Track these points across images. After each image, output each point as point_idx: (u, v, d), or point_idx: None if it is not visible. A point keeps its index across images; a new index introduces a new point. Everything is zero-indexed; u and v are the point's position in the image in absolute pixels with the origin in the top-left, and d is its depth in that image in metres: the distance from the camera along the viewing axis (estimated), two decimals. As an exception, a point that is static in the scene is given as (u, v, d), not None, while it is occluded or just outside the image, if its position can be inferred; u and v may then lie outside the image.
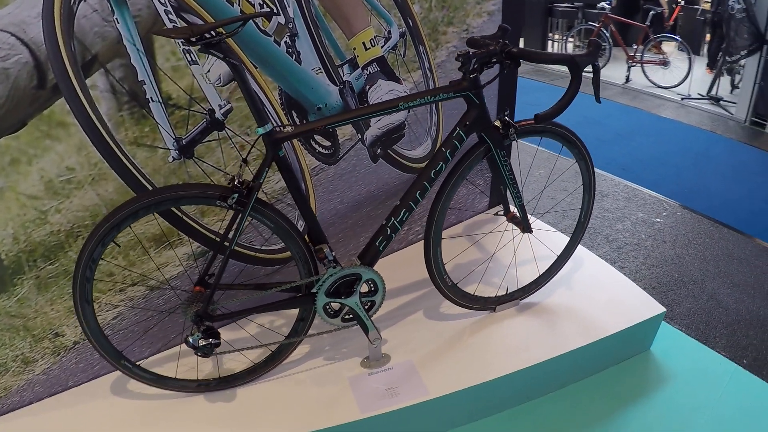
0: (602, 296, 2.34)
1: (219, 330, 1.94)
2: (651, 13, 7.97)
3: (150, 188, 2.03)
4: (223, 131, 2.09)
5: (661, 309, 2.24)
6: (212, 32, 1.61)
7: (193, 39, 1.59)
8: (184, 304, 1.90)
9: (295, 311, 2.07)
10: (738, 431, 2.01)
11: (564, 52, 8.90)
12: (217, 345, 1.90)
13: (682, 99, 7.11)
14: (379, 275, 2.01)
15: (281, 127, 1.78)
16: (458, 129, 1.94)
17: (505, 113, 1.98)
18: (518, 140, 2.00)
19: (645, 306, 2.27)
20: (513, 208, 2.21)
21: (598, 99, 1.87)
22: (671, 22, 8.74)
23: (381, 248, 2.00)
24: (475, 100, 1.92)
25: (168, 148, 2.03)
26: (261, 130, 1.74)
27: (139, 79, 1.92)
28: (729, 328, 2.82)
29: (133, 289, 2.16)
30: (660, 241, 3.69)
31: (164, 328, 2.25)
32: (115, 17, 1.83)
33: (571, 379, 2.20)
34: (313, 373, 2.11)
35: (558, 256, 2.33)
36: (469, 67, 1.86)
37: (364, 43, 2.24)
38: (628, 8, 9.08)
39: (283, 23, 2.11)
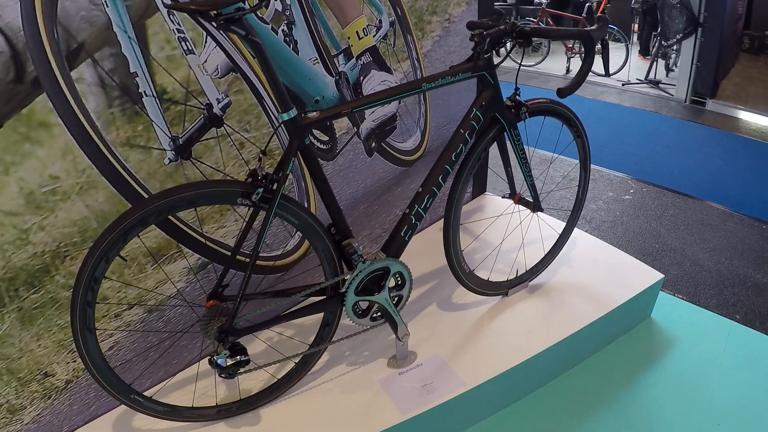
0: (603, 270, 2.33)
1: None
2: (587, 5, 8.16)
3: (145, 195, 1.73)
4: (222, 128, 1.84)
5: (660, 276, 2.27)
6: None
7: (214, 13, 1.37)
8: (203, 321, 1.64)
9: (312, 320, 1.87)
10: (747, 379, 2.07)
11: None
12: (247, 362, 1.64)
13: (623, 85, 7.27)
14: (406, 267, 1.84)
15: (305, 113, 1.59)
16: (475, 110, 1.84)
17: (516, 93, 1.93)
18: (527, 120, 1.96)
19: (644, 274, 2.29)
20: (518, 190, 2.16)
21: (607, 72, 1.87)
22: (599, 14, 8.84)
23: (406, 238, 1.84)
24: (490, 79, 1.83)
25: (164, 149, 1.74)
26: (286, 116, 1.53)
27: (131, 71, 1.64)
28: (716, 288, 2.94)
29: (130, 313, 1.83)
30: (634, 216, 3.81)
31: (164, 355, 1.92)
32: (103, 0, 1.56)
33: (588, 353, 2.16)
34: (340, 381, 1.90)
35: (560, 234, 2.30)
36: (483, 46, 1.79)
37: (357, 32, 2.08)
38: (560, 2, 9.23)
39: (280, 10, 1.91)
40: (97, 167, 1.64)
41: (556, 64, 8.28)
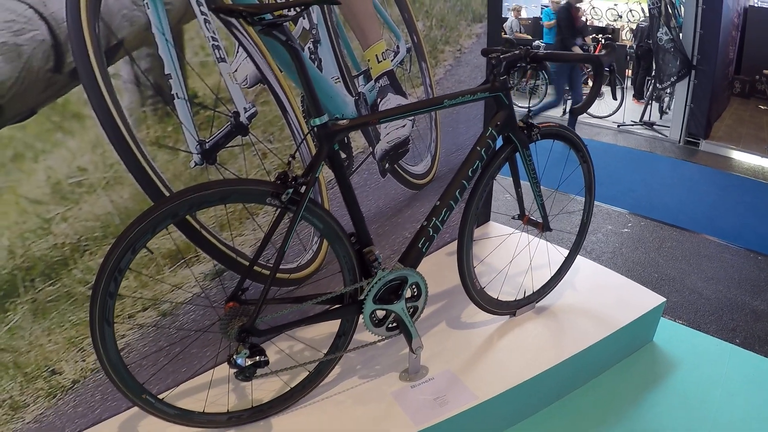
0: (606, 294, 2.29)
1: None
2: (584, 49, 8.39)
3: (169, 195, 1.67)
4: (247, 136, 1.81)
5: (662, 299, 2.24)
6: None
7: (256, 18, 1.37)
8: (224, 321, 1.54)
9: (323, 330, 1.79)
10: (749, 400, 2.02)
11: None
12: (266, 363, 1.54)
13: (619, 126, 7.30)
14: (423, 278, 1.79)
15: (336, 120, 1.57)
16: (490, 128, 1.84)
17: (528, 115, 1.95)
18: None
19: (647, 298, 2.26)
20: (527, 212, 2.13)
21: (614, 95, 1.90)
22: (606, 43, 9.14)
23: (424, 250, 1.79)
24: (505, 100, 1.84)
25: (190, 152, 1.69)
26: (318, 121, 1.50)
27: (166, 72, 1.60)
28: (715, 314, 2.94)
29: (144, 315, 1.73)
30: (632, 248, 3.82)
31: (175, 360, 1.81)
32: (145, 2, 1.53)
33: (594, 373, 2.10)
34: (353, 393, 1.80)
35: (566, 258, 2.27)
36: (499, 69, 1.81)
37: (377, 55, 2.09)
38: (557, 47, 9.52)
39: (307, 28, 1.91)
40: (125, 163, 1.58)
41: (557, 106, 8.30)
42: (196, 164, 1.71)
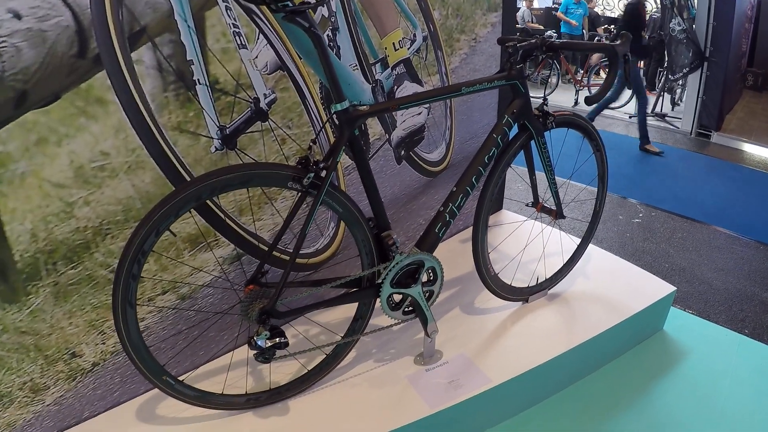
0: (617, 282, 2.28)
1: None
2: (596, 39, 8.13)
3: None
4: (266, 122, 1.80)
5: (672, 288, 2.23)
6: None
7: (280, 5, 1.37)
8: (245, 303, 1.55)
9: (340, 314, 1.79)
10: (759, 390, 2.01)
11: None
12: (286, 344, 1.54)
13: (630, 117, 7.13)
14: (439, 263, 1.78)
15: (357, 105, 1.56)
16: (506, 116, 1.83)
17: (544, 103, 1.94)
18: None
19: (657, 286, 2.25)
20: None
21: (628, 85, 1.88)
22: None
23: (440, 235, 1.79)
24: (521, 88, 1.83)
25: (211, 137, 1.69)
26: (339, 107, 1.50)
27: (188, 59, 1.59)
28: (725, 305, 2.92)
29: (164, 299, 1.74)
30: (643, 238, 3.78)
31: (196, 342, 1.82)
32: (167, -12, 1.53)
33: (605, 360, 2.09)
34: (369, 376, 1.80)
35: (578, 245, 2.25)
36: (516, 57, 1.80)
37: (394, 43, 2.08)
38: (571, 37, 9.14)
39: (326, 16, 1.90)
40: (147, 148, 1.57)
41: (565, 97, 8.20)
42: (216, 149, 1.71)
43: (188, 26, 1.58)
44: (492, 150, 1.82)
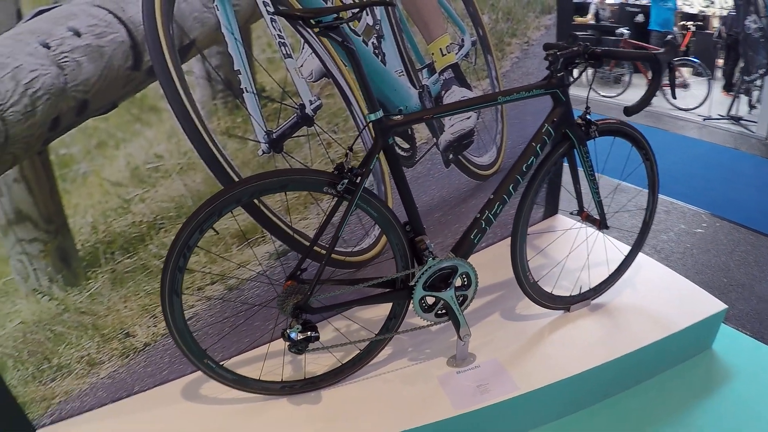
0: (666, 296, 2.08)
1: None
2: (668, 37, 7.34)
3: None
4: (312, 127, 1.79)
5: (723, 306, 2.00)
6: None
7: (314, 21, 1.34)
8: (281, 297, 1.55)
9: (378, 312, 1.76)
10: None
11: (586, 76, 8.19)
12: (317, 338, 1.53)
13: (704, 120, 6.56)
14: (473, 269, 1.70)
15: (391, 115, 1.51)
16: (546, 125, 1.70)
17: (586, 112, 1.80)
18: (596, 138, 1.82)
19: (708, 303, 2.02)
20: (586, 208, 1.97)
21: (674, 94, 1.72)
22: (683, 47, 8.09)
23: (476, 241, 1.71)
24: (562, 97, 1.69)
25: (258, 141, 1.69)
26: (373, 116, 1.46)
27: (235, 69, 1.60)
28: None
29: (212, 288, 1.78)
30: (704, 250, 3.45)
31: (238, 330, 1.86)
32: (215, 4, 1.53)
33: (644, 376, 1.92)
34: (401, 373, 1.76)
35: (626, 256, 2.08)
36: (557, 66, 1.67)
37: (441, 49, 1.99)
38: (644, 34, 8.24)
39: (371, 24, 1.85)
40: (197, 151, 1.60)
41: (636, 96, 7.51)
42: (263, 152, 1.71)
43: (235, 38, 1.58)
44: (530, 158, 1.70)
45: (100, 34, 1.39)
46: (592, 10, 9.68)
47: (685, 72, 7.31)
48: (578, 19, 9.54)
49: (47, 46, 1.32)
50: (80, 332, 1.59)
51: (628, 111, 1.66)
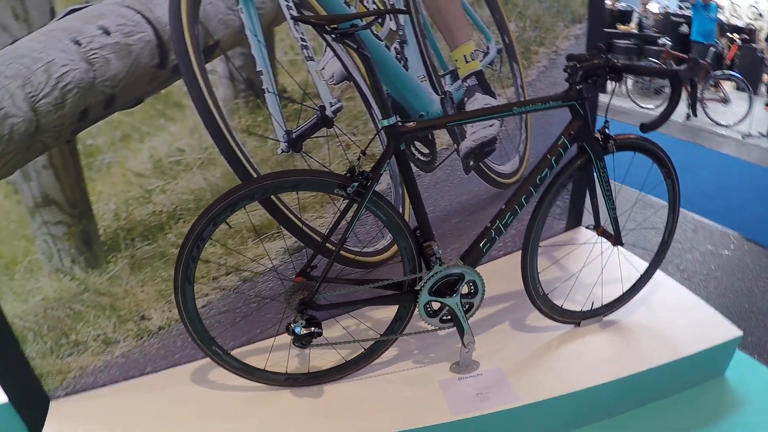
0: (680, 318, 2.02)
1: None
2: (711, 50, 7.12)
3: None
4: (332, 129, 1.81)
5: (738, 332, 1.93)
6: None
7: (329, 28, 1.37)
8: (288, 292, 1.59)
9: (387, 313, 1.78)
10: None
11: (626, 87, 7.92)
12: (320, 334, 1.58)
13: (744, 137, 6.29)
14: (480, 277, 1.70)
15: (404, 122, 1.53)
16: (563, 137, 1.68)
17: (605, 125, 1.77)
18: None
19: (722, 329, 1.95)
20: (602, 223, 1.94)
21: (694, 112, 1.67)
22: (728, 61, 7.85)
23: (484, 250, 1.70)
24: (580, 110, 1.66)
25: (278, 140, 1.73)
26: (385, 122, 1.48)
27: (257, 69, 1.65)
28: None
29: (227, 279, 1.84)
30: (729, 273, 3.34)
31: (249, 321, 1.91)
32: (239, 7, 1.58)
33: (651, 398, 1.87)
34: (403, 375, 1.77)
35: (642, 274, 2.03)
36: (576, 78, 1.64)
37: (465, 55, 1.99)
38: (685, 45, 7.96)
39: (394, 29, 1.86)
40: (218, 147, 1.66)
41: (679, 108, 7.15)
42: (282, 151, 1.76)
43: (258, 40, 1.63)
44: (545, 171, 1.68)
45: (128, 32, 1.45)
46: (635, 18, 9.39)
47: (727, 86, 6.97)
48: (621, 27, 9.29)
49: (78, 43, 1.39)
50: (98, 312, 1.67)
51: (645, 127, 1.61)
